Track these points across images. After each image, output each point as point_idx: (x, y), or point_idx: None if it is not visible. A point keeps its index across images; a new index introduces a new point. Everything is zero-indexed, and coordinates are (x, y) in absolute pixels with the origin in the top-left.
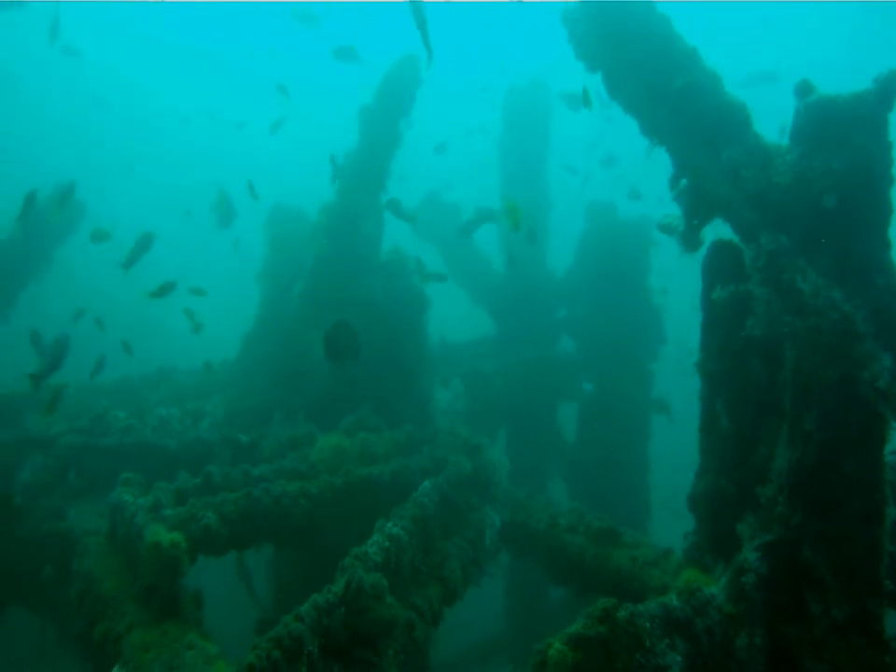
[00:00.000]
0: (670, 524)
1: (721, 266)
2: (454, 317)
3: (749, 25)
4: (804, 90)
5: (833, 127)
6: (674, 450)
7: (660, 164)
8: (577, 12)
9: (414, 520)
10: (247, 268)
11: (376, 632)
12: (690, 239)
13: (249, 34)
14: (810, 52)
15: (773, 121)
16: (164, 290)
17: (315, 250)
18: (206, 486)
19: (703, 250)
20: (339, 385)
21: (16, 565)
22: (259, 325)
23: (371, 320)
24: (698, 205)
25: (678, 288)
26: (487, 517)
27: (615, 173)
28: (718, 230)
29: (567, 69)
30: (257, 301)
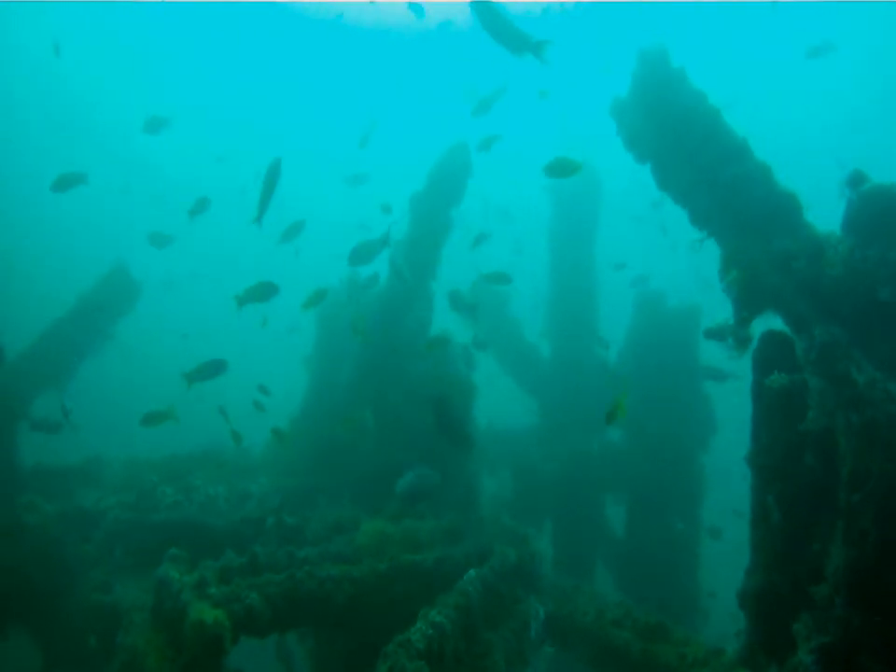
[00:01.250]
0: (721, 621)
1: (773, 357)
2: (500, 405)
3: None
4: (856, 179)
5: (889, 217)
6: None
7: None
8: (626, 104)
9: (458, 609)
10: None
11: None
12: (739, 332)
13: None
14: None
15: None
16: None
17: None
18: (251, 566)
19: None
20: (385, 468)
21: (64, 633)
22: (306, 406)
23: (418, 406)
24: (748, 297)
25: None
26: (532, 608)
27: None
28: (768, 322)
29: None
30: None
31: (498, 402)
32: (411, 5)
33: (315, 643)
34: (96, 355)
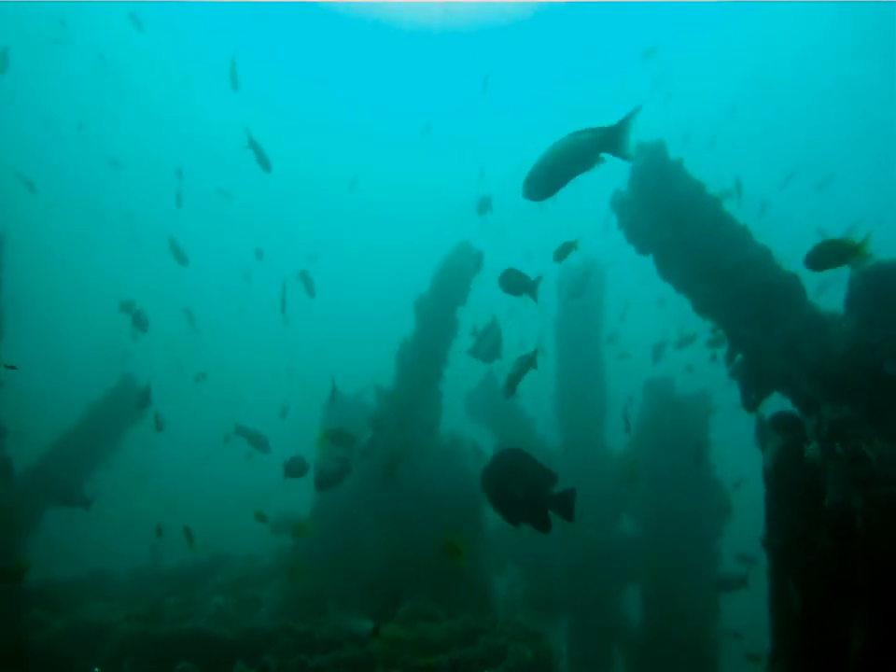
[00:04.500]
0: None
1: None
2: None
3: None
4: None
5: (891, 292)
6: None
7: None
8: (626, 197)
9: None
10: None
11: None
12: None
13: None
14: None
15: None
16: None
17: (370, 436)
18: None
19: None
20: (395, 572)
21: None
22: (315, 509)
23: (427, 505)
24: (755, 380)
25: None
26: None
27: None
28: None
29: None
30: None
31: None
32: None
33: None
34: (104, 466)
